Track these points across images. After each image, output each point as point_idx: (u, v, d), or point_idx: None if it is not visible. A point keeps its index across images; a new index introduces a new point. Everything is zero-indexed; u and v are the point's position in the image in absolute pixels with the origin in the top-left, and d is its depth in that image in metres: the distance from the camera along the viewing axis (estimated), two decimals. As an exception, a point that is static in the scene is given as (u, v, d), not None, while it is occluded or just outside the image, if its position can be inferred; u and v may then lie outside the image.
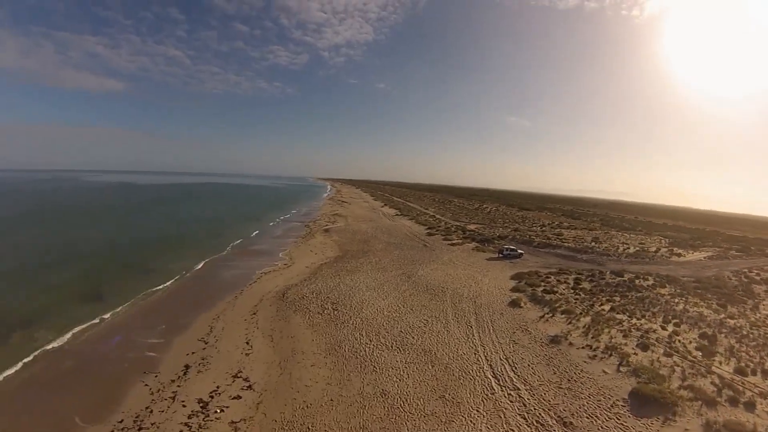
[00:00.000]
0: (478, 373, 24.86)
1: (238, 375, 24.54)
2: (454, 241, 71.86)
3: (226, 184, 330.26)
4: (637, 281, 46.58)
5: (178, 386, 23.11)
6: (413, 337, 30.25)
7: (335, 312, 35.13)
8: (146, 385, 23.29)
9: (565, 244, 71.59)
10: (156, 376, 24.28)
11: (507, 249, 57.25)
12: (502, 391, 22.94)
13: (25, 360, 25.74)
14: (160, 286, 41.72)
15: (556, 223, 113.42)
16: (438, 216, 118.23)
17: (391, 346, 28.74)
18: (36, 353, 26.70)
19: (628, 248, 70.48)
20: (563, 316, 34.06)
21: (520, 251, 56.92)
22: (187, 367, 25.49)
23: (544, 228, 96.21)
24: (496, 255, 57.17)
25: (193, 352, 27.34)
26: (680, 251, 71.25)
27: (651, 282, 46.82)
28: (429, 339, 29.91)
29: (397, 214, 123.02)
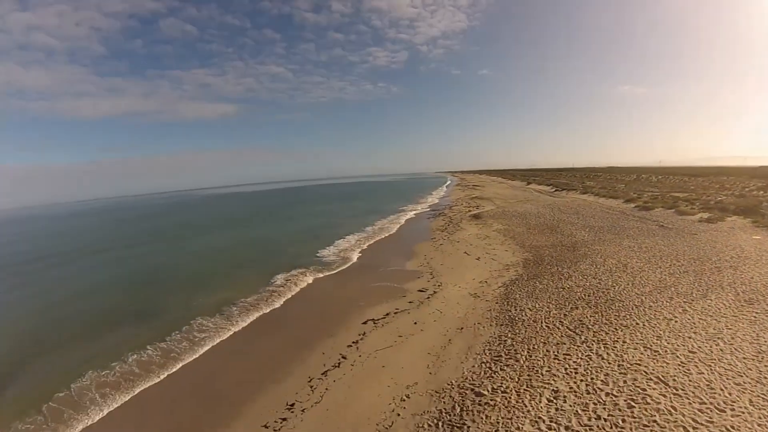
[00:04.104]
0: None
1: None
2: (700, 216, 36.70)
3: (340, 184, 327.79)
4: None
5: None
6: None
7: None
8: None
9: None
10: None
11: None
12: None
13: None
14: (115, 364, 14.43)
15: (774, 185, 65.84)
16: (608, 188, 75.73)
17: None
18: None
19: None
20: None
21: None
22: None
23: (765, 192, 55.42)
24: None
25: None
26: None
27: None
28: None
29: (555, 190, 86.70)
